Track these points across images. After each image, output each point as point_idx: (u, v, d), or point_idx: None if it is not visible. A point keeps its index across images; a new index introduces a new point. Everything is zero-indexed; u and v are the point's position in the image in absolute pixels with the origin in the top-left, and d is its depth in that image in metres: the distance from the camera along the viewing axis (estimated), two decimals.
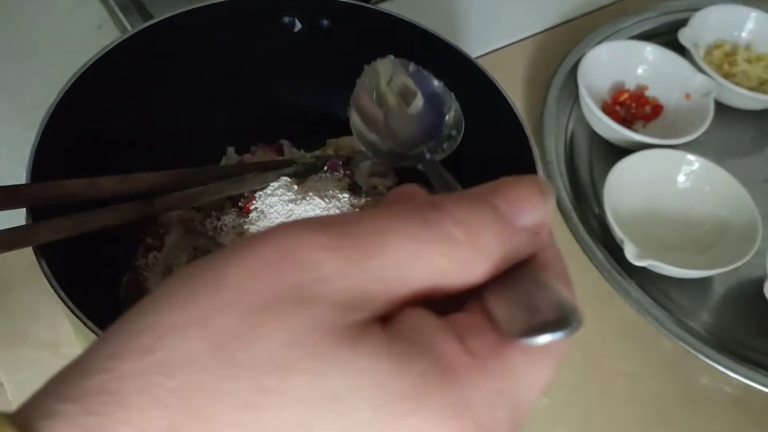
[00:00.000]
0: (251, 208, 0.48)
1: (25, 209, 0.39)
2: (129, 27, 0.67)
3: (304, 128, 0.57)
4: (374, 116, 0.37)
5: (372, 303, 0.17)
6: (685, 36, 0.70)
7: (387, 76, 0.38)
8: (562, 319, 0.17)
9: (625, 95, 0.69)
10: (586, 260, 0.59)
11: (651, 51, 0.70)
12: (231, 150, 0.57)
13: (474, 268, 0.18)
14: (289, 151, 0.57)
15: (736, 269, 0.57)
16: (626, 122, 0.67)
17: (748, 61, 0.73)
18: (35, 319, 0.51)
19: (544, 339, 0.16)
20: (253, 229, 0.47)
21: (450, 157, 0.35)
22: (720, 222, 0.61)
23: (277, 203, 0.47)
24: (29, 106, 0.58)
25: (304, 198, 0.47)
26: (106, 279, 0.49)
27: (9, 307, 0.52)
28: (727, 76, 0.71)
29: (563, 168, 0.65)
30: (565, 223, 0.61)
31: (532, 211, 0.19)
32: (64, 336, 0.51)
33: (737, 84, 0.70)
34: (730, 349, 0.56)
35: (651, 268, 0.57)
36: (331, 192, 0.48)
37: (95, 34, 0.68)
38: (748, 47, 0.75)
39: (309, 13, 0.53)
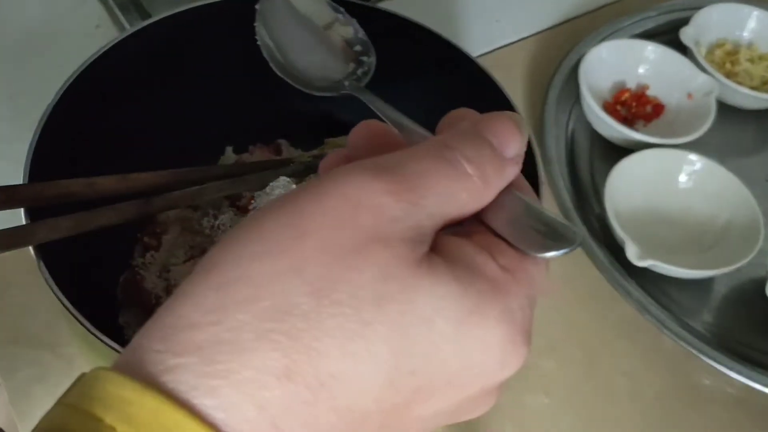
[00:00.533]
0: (250, 207, 0.48)
1: (22, 209, 0.39)
2: (127, 26, 0.66)
3: (302, 128, 0.57)
4: (287, 41, 0.36)
5: (427, 236, 0.20)
6: (686, 35, 0.70)
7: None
8: (565, 236, 0.21)
9: (627, 94, 0.69)
10: (587, 260, 0.59)
11: (652, 50, 0.70)
12: (229, 149, 0.57)
13: (483, 198, 0.21)
14: (287, 150, 0.57)
15: (737, 269, 0.56)
16: (627, 122, 0.67)
17: (751, 60, 0.72)
18: (33, 318, 0.51)
19: (555, 253, 0.21)
20: None
21: None
22: (722, 222, 0.61)
23: None
24: (27, 105, 0.57)
25: None
26: (103, 278, 0.49)
27: (7, 307, 0.52)
28: (729, 75, 0.71)
29: (564, 168, 0.64)
30: None
31: (515, 143, 0.22)
32: (61, 336, 0.50)
33: (739, 83, 0.69)
34: (732, 350, 0.56)
35: (652, 268, 0.57)
36: None
37: (93, 33, 0.68)
38: (750, 46, 0.74)
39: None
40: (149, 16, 0.65)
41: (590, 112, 0.66)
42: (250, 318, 0.18)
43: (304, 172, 0.52)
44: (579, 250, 0.59)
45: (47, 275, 0.37)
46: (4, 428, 0.52)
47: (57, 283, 0.37)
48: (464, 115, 0.23)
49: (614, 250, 0.59)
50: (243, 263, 0.19)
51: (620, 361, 0.56)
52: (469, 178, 0.20)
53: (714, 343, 0.56)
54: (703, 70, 0.68)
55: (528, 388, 0.53)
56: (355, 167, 0.20)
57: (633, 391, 0.54)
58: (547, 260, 0.21)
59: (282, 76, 0.35)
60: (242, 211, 0.48)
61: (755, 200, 0.60)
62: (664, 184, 0.63)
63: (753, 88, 0.70)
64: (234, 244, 0.19)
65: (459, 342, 0.19)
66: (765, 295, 0.57)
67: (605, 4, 0.80)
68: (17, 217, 0.39)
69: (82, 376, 0.19)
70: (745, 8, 0.75)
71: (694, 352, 0.55)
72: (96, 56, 0.46)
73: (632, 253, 0.56)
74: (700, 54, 0.69)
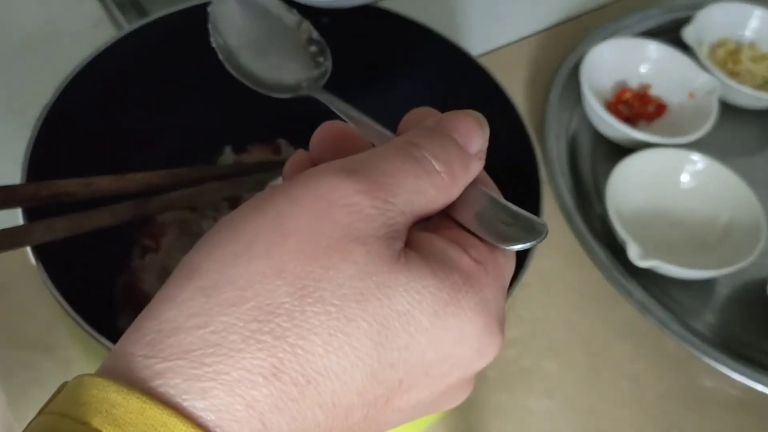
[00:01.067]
0: None
1: (20, 210, 0.39)
2: (125, 25, 0.66)
3: (301, 127, 0.56)
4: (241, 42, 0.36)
5: (401, 233, 0.20)
6: (688, 34, 0.70)
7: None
8: (532, 229, 0.22)
9: (628, 94, 0.69)
10: (589, 261, 0.59)
11: (654, 49, 0.70)
12: (228, 149, 0.57)
13: (450, 194, 0.22)
14: (287, 150, 0.57)
15: (740, 269, 0.56)
16: (629, 121, 0.67)
17: (753, 59, 0.72)
18: (31, 321, 0.51)
19: (524, 245, 0.21)
20: None
21: None
22: (724, 222, 0.61)
23: None
24: (24, 104, 0.57)
25: None
26: (101, 280, 0.49)
27: (4, 310, 0.51)
28: (731, 74, 0.71)
29: (565, 167, 0.64)
30: (567, 224, 0.60)
31: (478, 140, 0.23)
32: (60, 338, 0.50)
33: (742, 83, 0.69)
34: (734, 351, 0.56)
35: (654, 268, 0.57)
36: None
37: (91, 32, 0.67)
38: (752, 45, 0.74)
39: (308, 10, 0.53)
40: (147, 14, 0.65)
41: (592, 111, 0.66)
42: (235, 320, 0.18)
43: None
44: (580, 251, 0.59)
45: (45, 277, 0.37)
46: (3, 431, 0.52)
47: (54, 285, 0.37)
48: (426, 113, 0.24)
49: (616, 250, 0.58)
50: (224, 266, 0.19)
51: (622, 363, 0.55)
52: (437, 174, 0.21)
53: (716, 344, 0.55)
54: (705, 69, 0.68)
55: (530, 390, 0.53)
56: (327, 168, 0.21)
57: (635, 393, 0.54)
58: (515, 251, 0.22)
59: (239, 78, 0.35)
60: None
61: (758, 200, 0.60)
62: (666, 184, 0.63)
63: (755, 87, 0.70)
64: (213, 247, 0.20)
65: (437, 334, 0.20)
66: (767, 295, 0.57)
67: (607, 3, 0.79)
68: (14, 217, 0.39)
69: (65, 384, 0.19)
70: (748, 7, 0.74)
71: (697, 353, 0.54)
72: (94, 55, 0.45)
73: (634, 253, 0.55)
74: (702, 53, 0.69)
